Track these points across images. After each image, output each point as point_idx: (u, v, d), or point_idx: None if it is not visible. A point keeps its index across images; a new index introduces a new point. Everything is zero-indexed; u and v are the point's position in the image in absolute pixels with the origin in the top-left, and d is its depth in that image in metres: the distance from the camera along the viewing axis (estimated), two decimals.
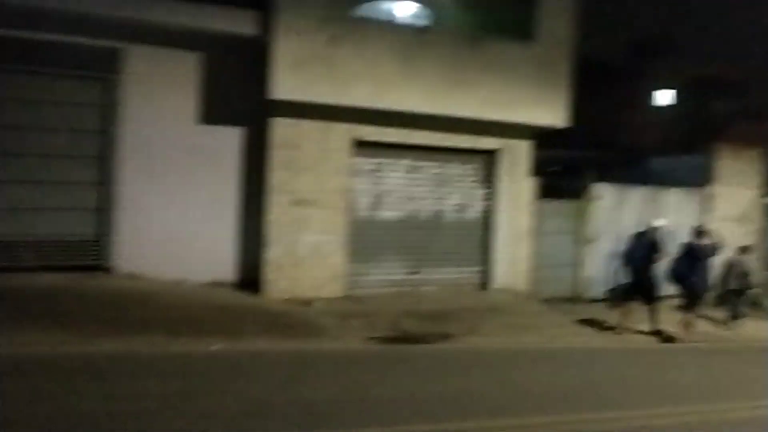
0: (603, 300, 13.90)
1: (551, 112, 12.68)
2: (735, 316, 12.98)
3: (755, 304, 14.14)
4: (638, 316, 11.33)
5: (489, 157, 12.89)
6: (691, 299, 11.32)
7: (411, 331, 9.95)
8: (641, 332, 11.28)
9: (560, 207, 13.65)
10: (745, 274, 13.27)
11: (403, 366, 8.06)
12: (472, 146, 12.60)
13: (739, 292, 13.22)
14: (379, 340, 9.43)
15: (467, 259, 12.85)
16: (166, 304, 9.79)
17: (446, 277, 12.65)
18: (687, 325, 11.30)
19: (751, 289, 13.49)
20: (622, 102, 23.02)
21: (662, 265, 11.24)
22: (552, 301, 13.39)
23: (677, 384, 8.31)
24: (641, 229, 11.63)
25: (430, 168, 12.46)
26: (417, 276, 12.37)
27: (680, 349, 10.73)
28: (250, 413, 5.78)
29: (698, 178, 15.96)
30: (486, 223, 12.94)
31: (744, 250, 13.59)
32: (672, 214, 14.87)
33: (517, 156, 13.00)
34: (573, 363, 9.07)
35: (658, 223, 11.46)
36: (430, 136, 12.15)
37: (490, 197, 12.93)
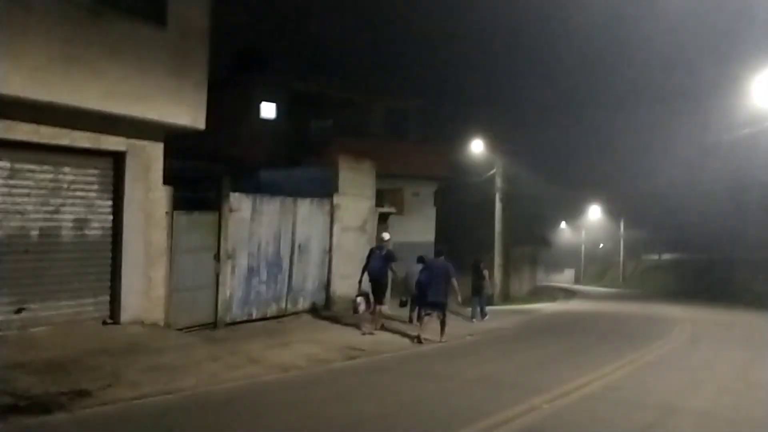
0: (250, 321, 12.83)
1: (188, 111, 10.98)
2: (419, 317, 13.82)
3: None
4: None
5: (115, 160, 10.50)
6: (435, 307, 12.87)
7: (30, 393, 7.18)
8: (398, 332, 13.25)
9: (196, 220, 11.93)
10: None
11: None
12: (94, 146, 10.06)
13: None
14: None
15: (90, 288, 10.21)
16: None
17: (63, 312, 9.81)
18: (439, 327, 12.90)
19: None
20: (229, 113, 22.18)
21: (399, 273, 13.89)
22: (193, 330, 11.62)
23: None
24: (374, 244, 14.00)
25: (39, 173, 9.52)
26: (23, 315, 9.32)
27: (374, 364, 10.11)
28: None
29: (318, 189, 15.81)
30: (113, 241, 10.49)
31: (420, 259, 14.70)
32: (305, 225, 14.46)
33: (150, 160, 10.90)
34: (257, 408, 7.51)
35: (386, 236, 13.85)
36: (39, 131, 9.26)
37: (117, 210, 10.53)
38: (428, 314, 12.88)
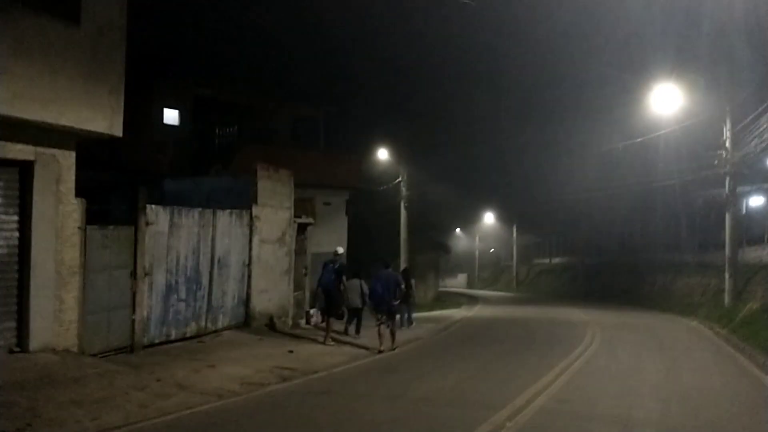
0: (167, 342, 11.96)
1: (104, 116, 10.08)
2: (358, 330, 15.24)
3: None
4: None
5: (22, 170, 9.43)
6: (389, 315, 13.47)
7: None
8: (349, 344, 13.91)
9: (110, 235, 10.96)
10: (363, 293, 14.87)
11: None
12: None
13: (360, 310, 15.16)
14: None
15: None
16: None
17: None
18: (382, 335, 13.35)
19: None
20: (130, 120, 20.83)
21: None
22: (109, 355, 10.67)
23: None
24: (329, 258, 14.50)
25: None
26: None
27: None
28: None
29: (232, 200, 15.03)
30: (19, 261, 9.41)
31: (355, 273, 15.39)
32: (224, 238, 13.72)
33: (60, 170, 9.89)
34: None
35: (340, 250, 14.86)
36: None
37: (24, 226, 9.46)
38: (382, 323, 13.36)
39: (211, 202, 14.39)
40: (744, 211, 37.91)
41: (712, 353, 14.82)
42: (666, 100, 25.56)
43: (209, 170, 20.63)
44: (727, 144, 23.55)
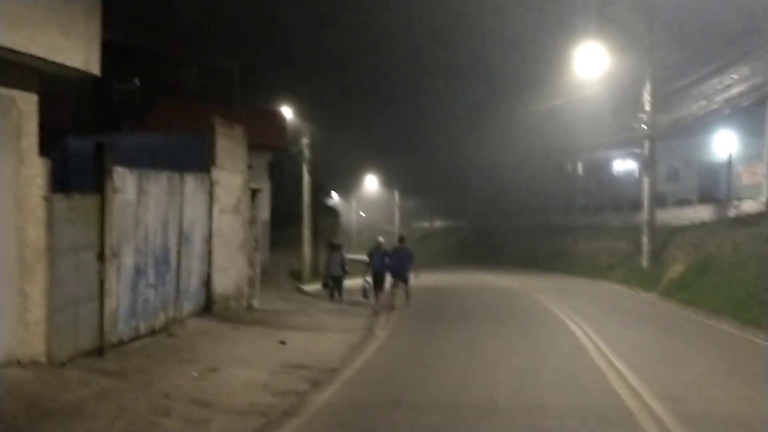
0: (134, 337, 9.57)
1: (80, 48, 7.57)
2: (340, 294, 17.45)
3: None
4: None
5: None
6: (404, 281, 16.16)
7: None
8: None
9: (77, 206, 8.37)
10: (343, 264, 17.72)
11: None
12: None
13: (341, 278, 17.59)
14: None
15: None
16: None
17: None
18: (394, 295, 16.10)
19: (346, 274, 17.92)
20: None
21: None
22: (77, 361, 8.20)
23: None
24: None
25: None
26: None
27: None
28: None
29: (167, 161, 12.44)
30: None
31: (335, 247, 18.52)
32: (190, 208, 11.40)
33: (21, 119, 7.27)
34: None
35: (381, 240, 17.52)
36: None
37: None
38: (396, 287, 15.99)
39: (136, 163, 11.73)
40: (614, 174, 39.71)
41: (686, 321, 14.71)
42: (588, 62, 25.36)
43: (121, 126, 17.67)
44: (647, 107, 23.75)
